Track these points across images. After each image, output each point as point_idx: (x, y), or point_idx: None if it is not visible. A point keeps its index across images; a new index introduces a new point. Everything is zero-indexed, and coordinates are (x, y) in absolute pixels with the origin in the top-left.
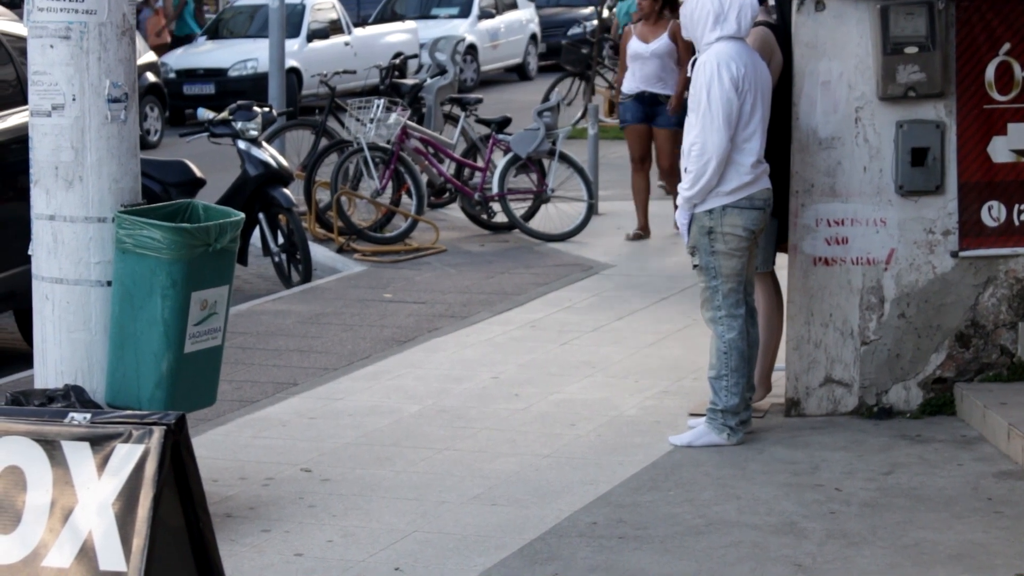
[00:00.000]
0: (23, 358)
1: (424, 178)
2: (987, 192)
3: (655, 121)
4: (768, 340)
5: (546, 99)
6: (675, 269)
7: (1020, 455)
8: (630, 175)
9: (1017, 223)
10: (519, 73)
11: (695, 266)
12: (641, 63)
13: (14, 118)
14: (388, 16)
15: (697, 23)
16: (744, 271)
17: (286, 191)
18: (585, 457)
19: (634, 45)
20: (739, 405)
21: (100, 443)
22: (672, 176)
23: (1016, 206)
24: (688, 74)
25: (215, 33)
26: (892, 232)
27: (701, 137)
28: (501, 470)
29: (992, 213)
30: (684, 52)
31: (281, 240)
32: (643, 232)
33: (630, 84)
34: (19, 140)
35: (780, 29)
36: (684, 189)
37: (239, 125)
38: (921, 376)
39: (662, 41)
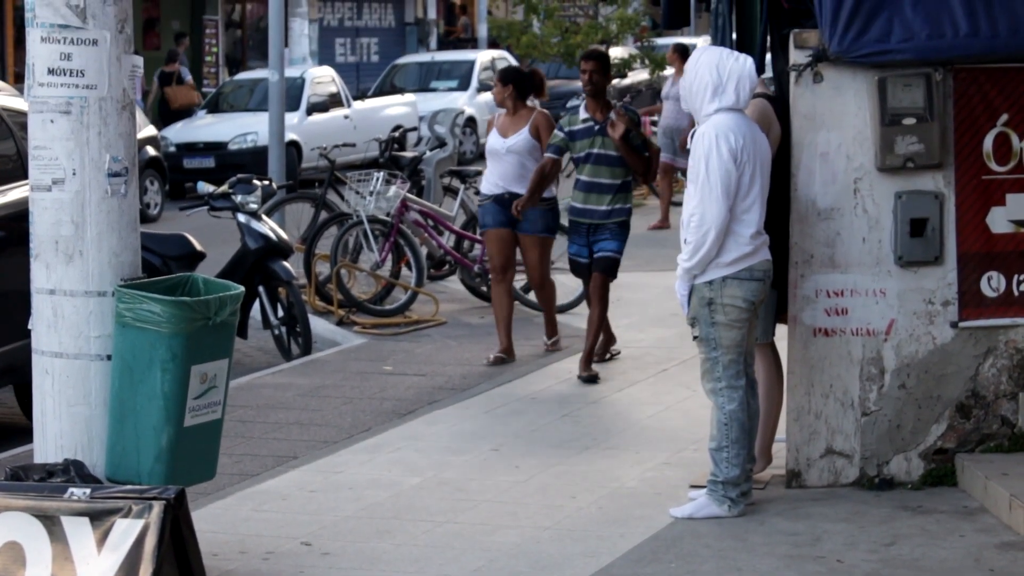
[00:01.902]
0: (23, 432)
1: (424, 250)
2: (986, 262)
3: (519, 226)
4: (768, 411)
5: None
6: (675, 340)
7: (1022, 526)
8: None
9: (1016, 293)
10: None
11: (695, 337)
12: (498, 159)
13: (14, 193)
14: (387, 89)
15: (695, 95)
16: (744, 342)
17: (286, 264)
18: (586, 529)
19: (491, 139)
20: (740, 477)
21: (100, 518)
22: (543, 290)
23: (1015, 276)
24: (687, 145)
25: (215, 107)
26: (892, 303)
27: (700, 208)
28: (502, 543)
29: (992, 283)
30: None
31: (281, 313)
32: (506, 355)
33: (488, 183)
34: (19, 215)
35: (778, 101)
36: (683, 260)
37: (239, 198)
38: (922, 447)
39: (521, 136)
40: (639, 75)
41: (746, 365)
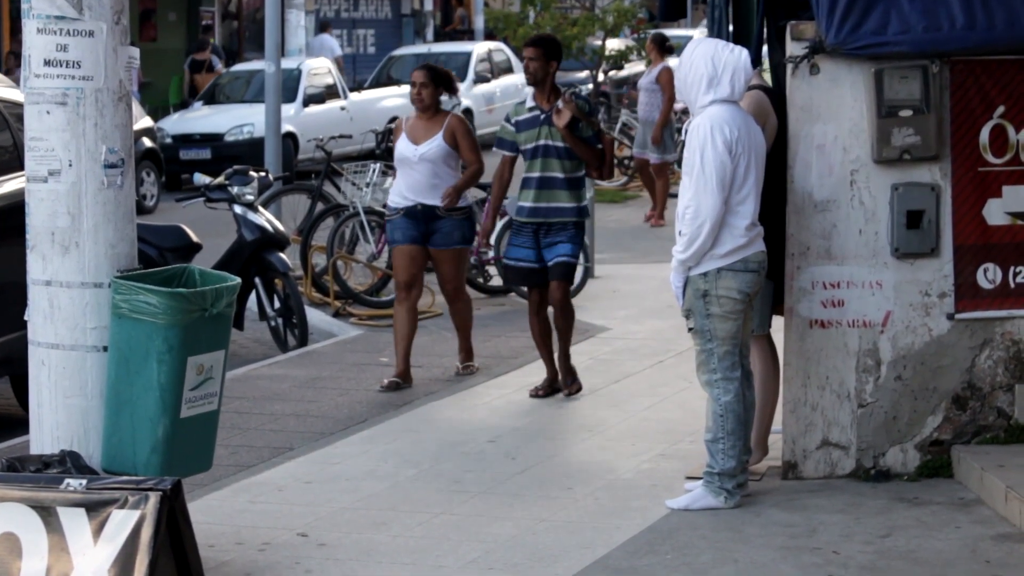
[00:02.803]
0: (19, 424)
1: None
2: (983, 254)
3: (432, 240)
4: (765, 403)
5: None
6: (671, 332)
7: (1018, 517)
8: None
9: (1013, 285)
10: None
11: (690, 329)
12: (408, 168)
13: (11, 184)
14: (384, 81)
15: (691, 87)
16: (739, 334)
17: (282, 255)
18: (582, 521)
19: (401, 146)
20: (736, 468)
21: (96, 509)
22: (458, 307)
23: (1011, 268)
24: (678, 133)
25: (212, 98)
26: (888, 294)
27: (695, 200)
28: (498, 534)
29: (988, 275)
30: (469, 153)
31: (277, 304)
32: (402, 380)
33: (397, 194)
34: (16, 206)
35: (775, 93)
36: (678, 252)
37: (235, 190)
38: (918, 438)
39: (435, 143)
40: (635, 67)
41: (741, 356)
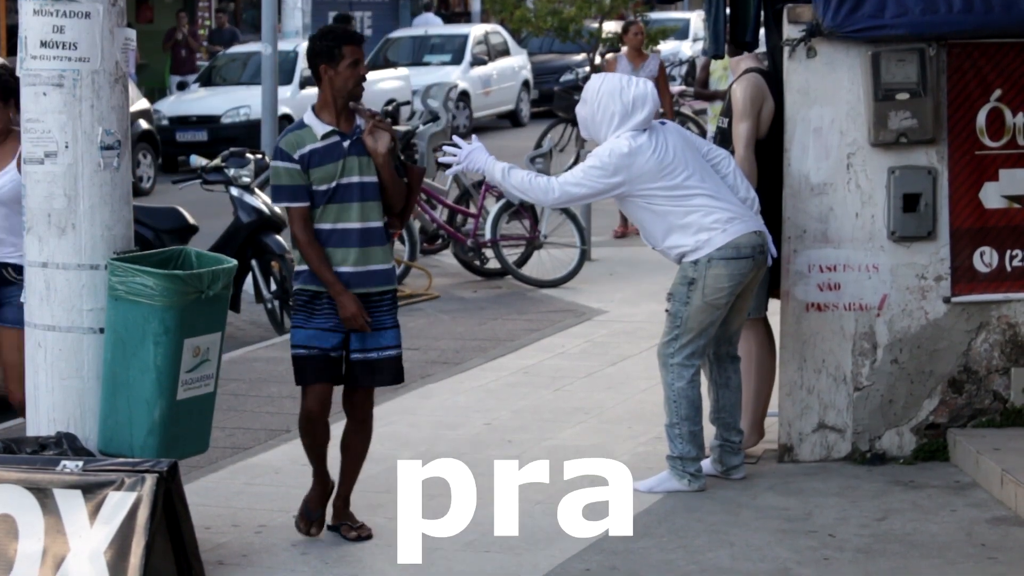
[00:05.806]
0: None
1: (417, 224)
2: (979, 238)
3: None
4: (761, 386)
5: (539, 145)
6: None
7: (1013, 501)
8: None
9: (1009, 269)
10: (512, 119)
11: (666, 310)
12: None
13: None
14: (380, 63)
15: (600, 124)
16: (713, 328)
17: (279, 238)
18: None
19: None
20: (694, 453)
21: (92, 491)
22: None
23: (1008, 252)
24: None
25: (208, 80)
26: (884, 278)
27: (577, 176)
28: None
29: (984, 259)
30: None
31: (274, 287)
32: None
33: None
34: None
35: (772, 76)
36: (516, 180)
37: (232, 172)
38: (914, 422)
39: (8, 176)
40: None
41: (729, 344)
